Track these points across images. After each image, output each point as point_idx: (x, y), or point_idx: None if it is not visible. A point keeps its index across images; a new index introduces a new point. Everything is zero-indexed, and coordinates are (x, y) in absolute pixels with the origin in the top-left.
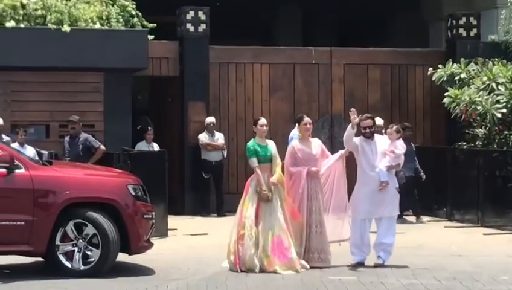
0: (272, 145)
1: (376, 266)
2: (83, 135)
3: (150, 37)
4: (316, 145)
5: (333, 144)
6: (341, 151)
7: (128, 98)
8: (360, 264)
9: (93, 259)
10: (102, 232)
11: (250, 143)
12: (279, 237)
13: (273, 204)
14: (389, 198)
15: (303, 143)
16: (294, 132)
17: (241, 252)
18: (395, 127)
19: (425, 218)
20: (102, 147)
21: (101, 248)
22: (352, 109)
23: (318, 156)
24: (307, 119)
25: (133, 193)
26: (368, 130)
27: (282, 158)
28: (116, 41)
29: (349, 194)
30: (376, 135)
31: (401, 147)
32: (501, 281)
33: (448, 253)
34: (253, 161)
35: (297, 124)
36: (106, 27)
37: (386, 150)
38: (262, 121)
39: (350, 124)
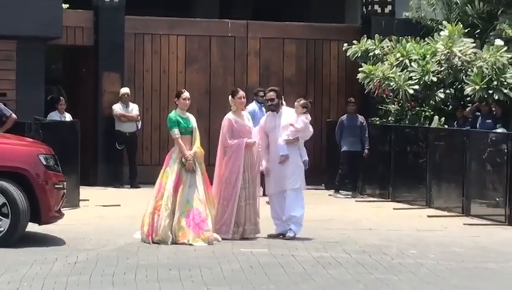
0: (192, 118)
1: (287, 238)
2: None
3: (65, 5)
4: (248, 117)
5: None
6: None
7: (41, 67)
8: (282, 235)
9: (2, 229)
10: (12, 201)
11: (172, 114)
12: (197, 209)
13: (193, 176)
14: (290, 171)
15: (237, 116)
16: (254, 106)
17: (156, 223)
18: (302, 102)
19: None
20: (14, 115)
21: (11, 217)
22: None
23: (250, 128)
24: (241, 93)
25: (44, 163)
26: (270, 103)
27: (201, 131)
28: (30, 9)
29: None
30: (284, 108)
31: (301, 122)
32: (410, 254)
33: (359, 227)
34: (175, 132)
35: (231, 97)
36: None
37: (289, 123)
38: (186, 94)
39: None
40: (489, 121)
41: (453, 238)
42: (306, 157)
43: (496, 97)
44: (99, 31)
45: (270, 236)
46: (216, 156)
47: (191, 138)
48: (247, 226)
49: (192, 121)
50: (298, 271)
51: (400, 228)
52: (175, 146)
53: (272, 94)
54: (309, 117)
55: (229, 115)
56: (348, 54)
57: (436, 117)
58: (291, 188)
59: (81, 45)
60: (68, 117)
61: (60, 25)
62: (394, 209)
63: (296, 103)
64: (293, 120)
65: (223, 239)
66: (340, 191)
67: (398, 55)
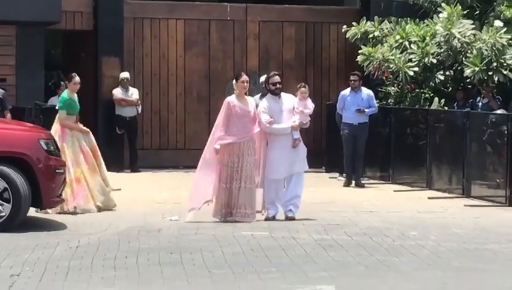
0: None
1: (289, 219)
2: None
3: None
4: (252, 103)
5: None
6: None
7: (40, 52)
8: (274, 218)
9: (4, 214)
10: (14, 186)
11: (65, 95)
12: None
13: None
14: (302, 154)
15: (239, 100)
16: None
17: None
18: (305, 87)
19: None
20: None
21: (12, 202)
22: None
23: (253, 113)
24: (244, 77)
25: (45, 148)
26: (277, 86)
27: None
28: None
29: None
30: (283, 94)
31: (310, 106)
32: (410, 236)
33: (360, 209)
34: (63, 113)
35: (234, 81)
36: None
37: (296, 108)
38: (77, 79)
39: (292, 126)
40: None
41: (454, 219)
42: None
43: (496, 78)
44: (99, 15)
45: (267, 219)
46: None
47: (77, 117)
48: (242, 209)
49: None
50: (299, 253)
51: (400, 210)
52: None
53: (277, 78)
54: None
55: (230, 98)
56: (347, 36)
57: (436, 99)
58: (301, 170)
59: (81, 30)
60: None
61: (59, 10)
62: (395, 191)
63: (303, 89)
64: (294, 104)
65: (223, 221)
66: (343, 174)
67: (398, 37)
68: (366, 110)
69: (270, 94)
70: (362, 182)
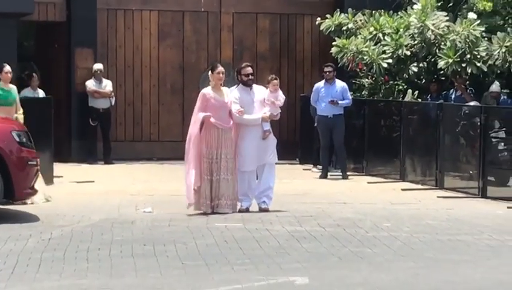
0: (14, 90)
1: (263, 210)
2: None
3: None
4: (227, 93)
5: None
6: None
7: (13, 44)
8: (248, 209)
9: None
10: None
11: None
12: None
13: None
14: (272, 145)
15: (215, 91)
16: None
17: None
18: (275, 79)
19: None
20: None
21: None
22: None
23: (229, 104)
24: (220, 68)
25: (17, 139)
26: (249, 77)
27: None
28: None
29: None
30: (254, 85)
31: (281, 98)
32: (384, 227)
33: (333, 201)
34: None
35: (210, 72)
36: None
37: (266, 100)
38: (7, 68)
39: (263, 117)
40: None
41: (427, 211)
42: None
43: (469, 70)
44: (72, 6)
45: (240, 211)
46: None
47: (11, 109)
48: (222, 201)
49: (15, 93)
50: (273, 245)
51: (374, 201)
52: None
53: (250, 69)
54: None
55: (206, 90)
56: (321, 28)
57: (409, 91)
58: (272, 161)
59: (54, 21)
60: (41, 93)
61: (31, 1)
62: (368, 183)
63: (274, 81)
64: (265, 95)
65: (202, 214)
66: (318, 166)
67: (372, 29)
68: (340, 102)
69: (242, 85)
70: (346, 174)
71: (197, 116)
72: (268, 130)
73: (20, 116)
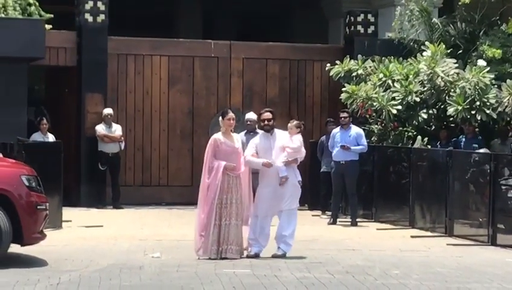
0: None
1: (275, 256)
2: None
3: (48, 26)
4: (238, 139)
5: None
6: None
7: (24, 88)
8: (257, 255)
9: None
10: None
11: None
12: None
13: None
14: (289, 192)
15: (225, 137)
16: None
17: None
18: (295, 122)
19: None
20: None
21: None
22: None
23: (240, 149)
24: (231, 114)
25: (26, 184)
26: (265, 122)
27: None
28: (13, 29)
29: None
30: (277, 130)
31: (297, 141)
32: (392, 275)
33: (342, 247)
34: None
35: (220, 118)
36: (3, 15)
37: (284, 145)
38: None
39: (262, 163)
40: (476, 145)
41: (436, 258)
42: (300, 178)
43: (479, 118)
44: (82, 51)
45: (249, 256)
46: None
47: None
48: (229, 246)
49: None
50: None
51: (383, 248)
52: None
53: (268, 114)
54: (301, 138)
55: (217, 135)
56: (330, 74)
57: (419, 137)
58: (288, 208)
59: (64, 66)
60: (51, 138)
61: (42, 46)
62: (377, 229)
63: (289, 124)
64: (286, 142)
65: (208, 259)
66: (326, 212)
67: (381, 75)
68: (352, 147)
69: (262, 130)
70: (355, 221)
71: (213, 164)
72: (285, 176)
73: None
